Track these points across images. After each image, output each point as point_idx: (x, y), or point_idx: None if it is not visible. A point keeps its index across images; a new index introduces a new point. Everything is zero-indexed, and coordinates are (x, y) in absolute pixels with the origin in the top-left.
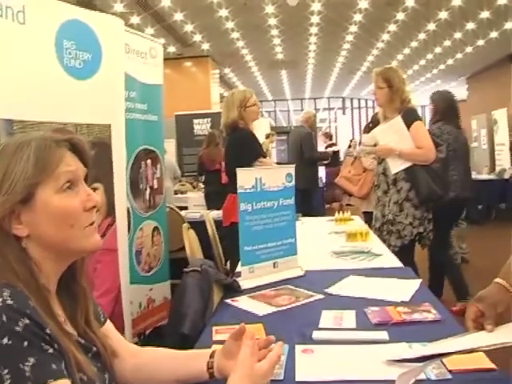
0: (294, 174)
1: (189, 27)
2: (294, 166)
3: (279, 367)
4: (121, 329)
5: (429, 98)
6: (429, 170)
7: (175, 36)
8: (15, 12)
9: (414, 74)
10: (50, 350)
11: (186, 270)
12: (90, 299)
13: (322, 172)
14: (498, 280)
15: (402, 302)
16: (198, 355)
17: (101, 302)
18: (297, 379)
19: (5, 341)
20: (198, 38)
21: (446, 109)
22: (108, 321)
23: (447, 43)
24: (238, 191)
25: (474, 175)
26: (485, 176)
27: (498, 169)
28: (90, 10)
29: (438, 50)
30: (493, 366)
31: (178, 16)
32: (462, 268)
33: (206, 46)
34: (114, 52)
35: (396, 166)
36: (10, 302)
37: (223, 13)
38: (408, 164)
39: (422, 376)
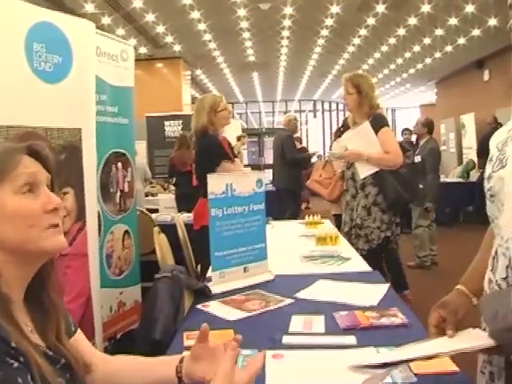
0: (263, 180)
1: (160, 28)
2: (265, 171)
3: None
4: (91, 333)
5: None
6: (396, 175)
7: (147, 37)
8: None
9: (384, 77)
10: (16, 364)
11: (157, 276)
12: (61, 313)
13: None
14: (459, 286)
15: (371, 306)
16: (167, 361)
17: (71, 307)
18: None
19: None
20: (169, 39)
21: None
22: (78, 330)
23: (416, 48)
24: (209, 197)
25: (443, 178)
26: (453, 179)
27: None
28: (60, 13)
29: (407, 54)
30: (456, 368)
31: (150, 17)
32: (431, 270)
33: (177, 48)
34: (85, 55)
35: (364, 171)
36: None
37: (195, 15)
38: (376, 169)
39: (389, 379)
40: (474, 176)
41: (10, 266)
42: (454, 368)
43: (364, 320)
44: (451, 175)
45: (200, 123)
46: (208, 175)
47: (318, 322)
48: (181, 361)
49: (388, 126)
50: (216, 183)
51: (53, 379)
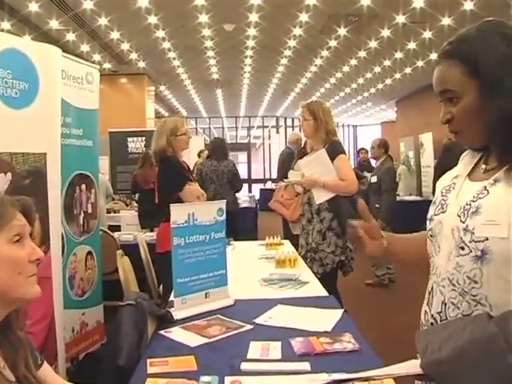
0: (224, 208)
1: (125, 46)
2: (224, 201)
3: None
4: (54, 354)
5: None
6: (351, 201)
7: (111, 53)
8: None
9: (345, 95)
10: None
11: (121, 303)
12: (28, 348)
13: (257, 193)
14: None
15: (325, 332)
16: None
17: (34, 330)
18: None
19: None
20: (134, 56)
21: None
22: (45, 362)
23: (377, 69)
24: (172, 226)
25: (401, 196)
26: (411, 197)
27: (424, 190)
28: (26, 39)
29: (368, 75)
30: None
31: (115, 35)
32: (388, 288)
33: (142, 64)
34: (51, 81)
35: (320, 197)
36: None
37: (160, 34)
38: (332, 195)
39: None
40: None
41: None
42: None
43: (318, 346)
44: (406, 193)
45: (159, 146)
46: (171, 206)
47: (275, 349)
48: None
49: (344, 153)
50: (178, 212)
51: None
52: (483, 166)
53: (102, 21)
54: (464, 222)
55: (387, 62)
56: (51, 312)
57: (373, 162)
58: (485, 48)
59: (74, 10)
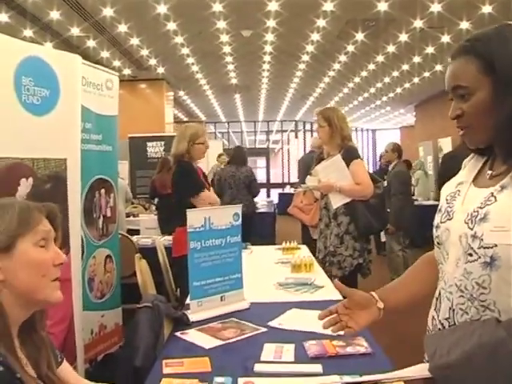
0: (240, 213)
1: (144, 52)
2: (240, 205)
3: None
4: (73, 355)
5: None
6: (367, 205)
7: (131, 59)
8: None
9: (364, 100)
10: None
11: (138, 306)
12: (49, 347)
13: (275, 198)
14: (372, 293)
15: (338, 335)
16: None
17: (54, 331)
18: None
19: None
20: (153, 62)
21: None
22: (64, 360)
23: (395, 74)
24: (188, 230)
25: (419, 201)
26: (429, 202)
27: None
28: (48, 46)
29: (386, 79)
30: None
31: (134, 41)
32: None
33: (161, 70)
34: (72, 88)
35: (337, 202)
36: None
37: (179, 40)
38: (348, 199)
39: None
40: None
41: (15, 307)
42: None
43: (331, 349)
44: (424, 197)
45: (179, 150)
46: (187, 210)
47: (288, 351)
48: None
49: (359, 158)
50: (195, 217)
51: None
52: (489, 172)
53: (122, 27)
54: (472, 229)
55: (405, 67)
56: (71, 313)
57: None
58: (502, 47)
59: (94, 18)
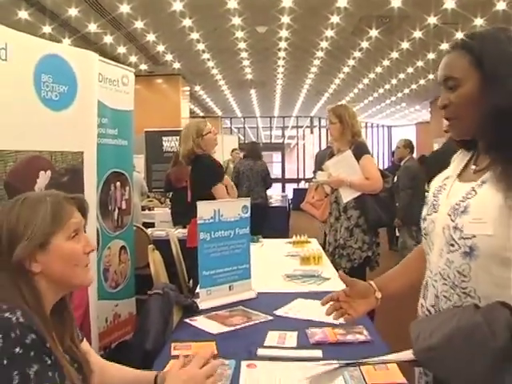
0: (249, 205)
1: (161, 47)
2: (249, 198)
3: (225, 380)
4: (88, 342)
5: None
6: (377, 199)
7: (147, 55)
8: None
9: (379, 96)
10: (48, 362)
11: (149, 292)
12: (74, 322)
13: (290, 193)
14: (370, 281)
15: (340, 324)
16: (144, 378)
17: None
18: None
19: (17, 350)
20: (169, 57)
21: None
22: (84, 339)
23: (410, 70)
24: (198, 222)
25: None
26: None
27: None
28: (66, 42)
29: (401, 75)
30: (404, 380)
31: (151, 37)
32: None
33: (177, 65)
34: (89, 84)
35: (347, 196)
36: (21, 320)
37: (194, 36)
38: (358, 193)
39: None
40: None
41: (50, 292)
42: (402, 380)
43: (332, 336)
44: None
45: (186, 149)
46: (197, 202)
47: (291, 337)
48: (155, 379)
49: (369, 153)
50: (205, 209)
51: (75, 378)
52: (473, 167)
53: (138, 24)
54: (454, 221)
55: (420, 63)
56: (86, 301)
57: None
58: (493, 46)
59: (111, 14)
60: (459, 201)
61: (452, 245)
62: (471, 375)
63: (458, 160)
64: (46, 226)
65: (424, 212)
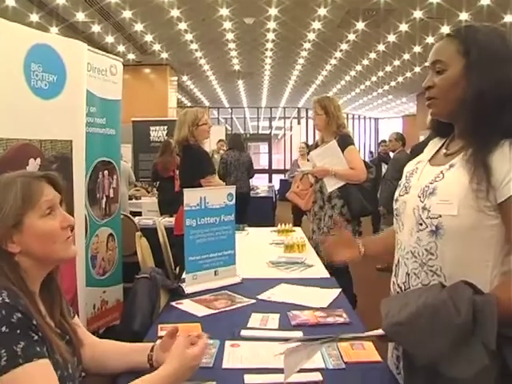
0: (234, 193)
1: (149, 37)
2: (234, 186)
3: (209, 357)
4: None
5: None
6: (361, 189)
7: (135, 45)
8: None
9: (366, 88)
10: (36, 337)
11: (137, 276)
12: (63, 296)
13: (276, 183)
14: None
15: (321, 307)
16: (141, 349)
17: None
18: (223, 367)
19: (3, 329)
20: (157, 47)
21: None
22: (76, 316)
23: (396, 63)
24: (185, 208)
25: None
26: None
27: None
28: (53, 31)
29: (388, 68)
30: (379, 359)
31: (139, 27)
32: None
33: (165, 55)
34: (78, 74)
35: (331, 185)
36: (7, 300)
37: (182, 26)
38: (342, 183)
39: (321, 364)
40: None
41: (35, 268)
42: (378, 358)
43: (313, 318)
44: None
45: (181, 136)
46: (184, 190)
47: (273, 320)
48: (151, 349)
49: (353, 144)
50: (191, 196)
51: (64, 351)
52: (444, 151)
53: (127, 13)
54: (423, 202)
55: (406, 56)
56: (75, 287)
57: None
58: (483, 38)
59: (99, 3)
60: (428, 183)
61: (421, 224)
62: (435, 348)
63: (432, 146)
64: (16, 207)
65: (396, 193)
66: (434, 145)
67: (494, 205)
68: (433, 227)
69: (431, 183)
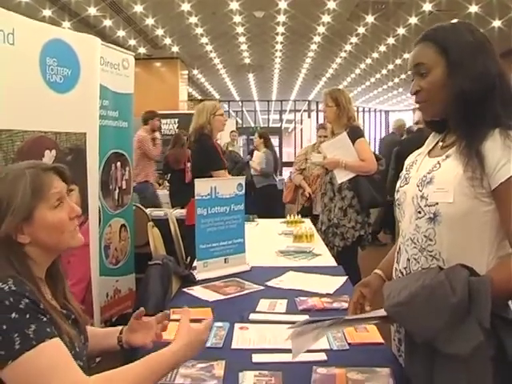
0: (244, 184)
1: (159, 31)
2: (244, 177)
3: (219, 339)
4: (90, 315)
5: None
6: (371, 180)
7: (146, 39)
8: (6, 34)
9: (376, 81)
10: (44, 319)
11: (150, 263)
12: (65, 279)
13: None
14: (377, 271)
15: (327, 293)
16: (111, 333)
17: (74, 291)
18: (232, 347)
19: (13, 315)
20: (168, 41)
21: None
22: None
23: (406, 56)
24: (196, 198)
25: None
26: None
27: None
28: (70, 31)
29: (398, 61)
30: (381, 340)
31: (150, 21)
32: None
33: (175, 49)
34: (91, 68)
35: (342, 177)
36: (13, 288)
37: (193, 20)
38: (352, 175)
39: (326, 346)
40: None
41: (43, 257)
42: (380, 340)
43: (319, 304)
44: None
45: (199, 123)
46: (195, 180)
47: (281, 305)
48: (120, 332)
49: (363, 137)
50: (202, 186)
51: (70, 331)
52: (440, 143)
53: (138, 8)
54: (421, 191)
55: None
56: (88, 276)
57: None
58: (454, 36)
59: None
60: (426, 173)
61: (419, 212)
62: (432, 326)
63: (429, 140)
64: (27, 200)
65: (397, 185)
66: (432, 139)
67: (489, 191)
68: (430, 214)
69: (429, 173)
